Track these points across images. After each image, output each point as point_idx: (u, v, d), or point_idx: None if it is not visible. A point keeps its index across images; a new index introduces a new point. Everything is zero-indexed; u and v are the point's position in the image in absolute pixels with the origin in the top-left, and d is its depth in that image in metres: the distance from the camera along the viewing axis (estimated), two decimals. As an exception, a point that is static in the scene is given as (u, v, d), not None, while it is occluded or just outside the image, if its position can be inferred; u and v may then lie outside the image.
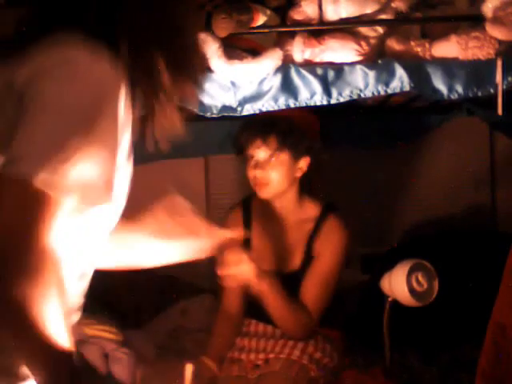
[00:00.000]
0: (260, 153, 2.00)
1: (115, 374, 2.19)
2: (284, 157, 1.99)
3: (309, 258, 2.02)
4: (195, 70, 1.01)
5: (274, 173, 1.99)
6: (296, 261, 2.04)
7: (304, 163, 2.04)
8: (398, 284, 1.90)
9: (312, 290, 1.98)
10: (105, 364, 2.21)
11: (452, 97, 1.77)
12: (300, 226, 2.06)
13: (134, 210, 3.28)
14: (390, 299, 1.97)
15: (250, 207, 2.14)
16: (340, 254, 2.01)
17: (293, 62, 1.80)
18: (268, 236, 2.09)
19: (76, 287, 0.95)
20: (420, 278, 1.88)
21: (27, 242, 0.76)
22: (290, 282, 1.97)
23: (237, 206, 2.18)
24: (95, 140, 0.81)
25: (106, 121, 0.83)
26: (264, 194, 2.02)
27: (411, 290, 1.88)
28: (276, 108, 1.78)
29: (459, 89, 1.76)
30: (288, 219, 2.08)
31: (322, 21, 1.81)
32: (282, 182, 2.01)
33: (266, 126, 1.98)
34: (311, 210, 2.08)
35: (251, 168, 2.01)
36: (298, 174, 2.05)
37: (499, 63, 1.72)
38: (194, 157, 3.07)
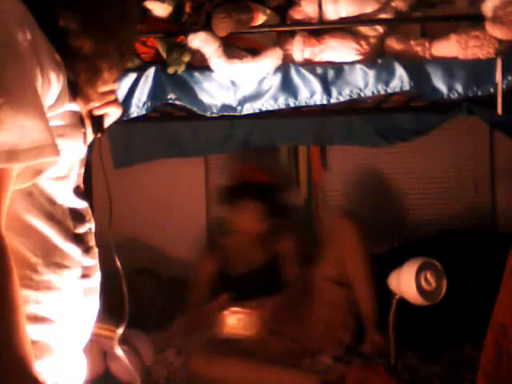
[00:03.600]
0: (251, 212, 2.75)
1: (114, 371, 2.20)
2: (266, 215, 2.78)
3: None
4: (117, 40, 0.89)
5: (257, 225, 2.78)
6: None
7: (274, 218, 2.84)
8: (406, 282, 1.88)
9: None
10: (103, 361, 2.21)
11: (452, 96, 1.77)
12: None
13: (135, 209, 3.27)
14: (397, 297, 1.96)
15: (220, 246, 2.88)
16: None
17: (293, 61, 1.80)
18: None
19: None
20: (429, 276, 1.87)
21: None
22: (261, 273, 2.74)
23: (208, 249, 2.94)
24: (9, 95, 0.73)
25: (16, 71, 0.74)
26: (246, 234, 2.79)
27: (419, 289, 1.87)
28: (276, 107, 1.78)
29: (459, 88, 1.75)
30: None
31: (321, 20, 1.81)
32: (260, 229, 2.80)
33: (261, 193, 2.76)
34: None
35: (242, 218, 2.78)
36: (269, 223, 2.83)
37: (499, 62, 1.72)
38: (194, 156, 3.07)
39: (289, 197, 2.99)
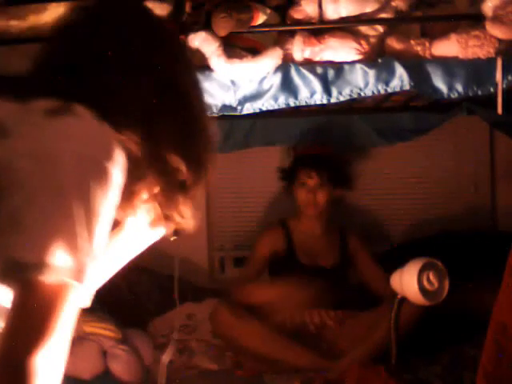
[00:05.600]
0: (313, 182, 2.62)
1: (113, 370, 2.19)
2: (329, 186, 2.64)
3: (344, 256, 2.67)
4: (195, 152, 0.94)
5: (321, 197, 2.63)
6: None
7: (338, 191, 2.71)
8: (408, 282, 1.88)
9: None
10: (103, 361, 2.20)
11: (452, 96, 1.77)
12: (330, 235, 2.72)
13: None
14: (398, 297, 1.96)
15: (287, 225, 2.72)
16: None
17: (293, 60, 1.80)
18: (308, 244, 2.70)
19: None
20: (431, 276, 1.86)
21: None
22: (331, 274, 2.58)
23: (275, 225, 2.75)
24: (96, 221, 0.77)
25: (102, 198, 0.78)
26: (311, 211, 2.64)
27: (422, 289, 1.86)
28: (276, 107, 1.78)
29: (459, 88, 1.75)
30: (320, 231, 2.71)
31: (322, 20, 1.81)
32: (324, 203, 2.64)
33: (320, 162, 2.65)
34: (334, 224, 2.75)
35: (305, 192, 2.63)
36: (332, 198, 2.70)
37: (499, 62, 1.72)
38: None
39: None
